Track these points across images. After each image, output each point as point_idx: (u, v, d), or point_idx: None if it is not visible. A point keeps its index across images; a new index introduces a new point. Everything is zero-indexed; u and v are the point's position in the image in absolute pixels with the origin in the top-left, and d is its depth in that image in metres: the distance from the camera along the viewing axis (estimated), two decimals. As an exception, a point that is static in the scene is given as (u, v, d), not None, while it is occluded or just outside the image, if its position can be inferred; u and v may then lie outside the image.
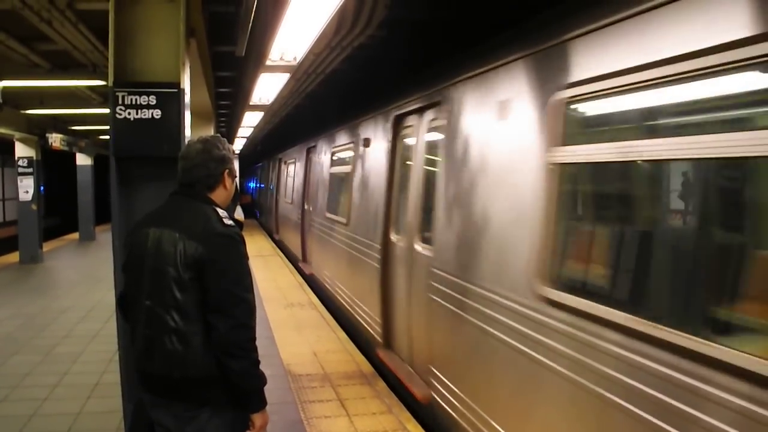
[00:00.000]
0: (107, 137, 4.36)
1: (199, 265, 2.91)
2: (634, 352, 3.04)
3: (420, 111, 6.84)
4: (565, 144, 3.80)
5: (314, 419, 5.92)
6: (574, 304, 3.54)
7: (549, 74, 4.05)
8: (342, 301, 9.98)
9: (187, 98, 5.19)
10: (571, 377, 3.52)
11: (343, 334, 8.96)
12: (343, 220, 10.00)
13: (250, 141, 27.27)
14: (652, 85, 3.11)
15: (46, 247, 18.86)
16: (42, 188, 17.58)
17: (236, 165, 3.38)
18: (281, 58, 7.28)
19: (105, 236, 21.79)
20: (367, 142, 8.87)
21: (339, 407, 6.24)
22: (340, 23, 6.81)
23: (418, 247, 6.51)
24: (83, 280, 14.22)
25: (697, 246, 3.10)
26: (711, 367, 2.58)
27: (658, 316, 2.96)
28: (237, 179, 3.39)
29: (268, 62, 7.40)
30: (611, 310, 3.23)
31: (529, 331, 4.00)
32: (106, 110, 4.96)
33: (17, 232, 17.57)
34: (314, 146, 13.90)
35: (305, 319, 9.88)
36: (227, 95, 13.96)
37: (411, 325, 6.70)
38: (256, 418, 3.05)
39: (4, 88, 9.67)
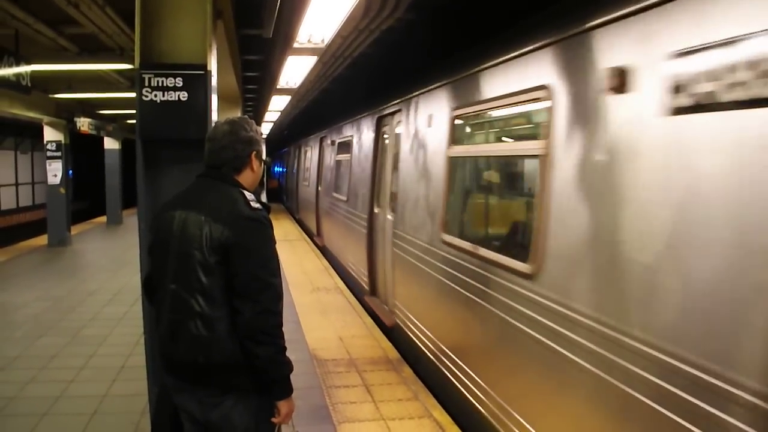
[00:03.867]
0: (134, 121, 4.36)
1: (225, 248, 2.86)
2: (471, 262, 5.49)
3: (392, 115, 8.95)
4: (453, 144, 6.25)
5: (339, 405, 5.90)
6: (450, 240, 6.07)
7: (449, 101, 6.35)
8: (345, 264, 12.31)
9: (214, 80, 5.15)
10: (451, 284, 5.95)
11: (369, 320, 8.95)
12: (344, 198, 12.38)
13: (277, 126, 27.36)
14: (482, 112, 5.78)
15: (74, 230, 19.01)
16: (70, 172, 17.66)
17: (264, 148, 3.31)
18: (309, 41, 7.23)
19: (132, 220, 21.89)
20: (360, 136, 11.19)
21: (365, 393, 6.21)
22: (369, 5, 6.75)
23: (389, 215, 8.79)
24: (110, 264, 14.33)
25: (500, 202, 6.07)
26: (493, 265, 5.00)
27: (481, 243, 5.45)
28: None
29: (295, 44, 7.36)
30: (461, 240, 5.84)
31: (437, 263, 6.39)
32: (134, 94, 4.91)
33: (46, 215, 17.69)
34: (325, 136, 16.28)
35: (331, 304, 9.88)
36: (254, 79, 13.94)
37: (385, 274, 9.01)
38: (282, 406, 3.00)
39: (33, 72, 9.68)
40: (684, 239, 2.85)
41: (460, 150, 6.13)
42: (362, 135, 10.93)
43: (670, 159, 2.96)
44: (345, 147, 12.85)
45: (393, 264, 8.26)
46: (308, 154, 20.41)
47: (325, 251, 15.37)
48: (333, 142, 14.61)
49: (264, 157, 3.30)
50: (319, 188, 16.83)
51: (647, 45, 3.18)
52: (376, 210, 9.76)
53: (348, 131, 12.49)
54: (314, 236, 17.65)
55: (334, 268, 13.20)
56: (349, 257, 11.82)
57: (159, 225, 3.12)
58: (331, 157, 14.89)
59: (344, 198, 12.32)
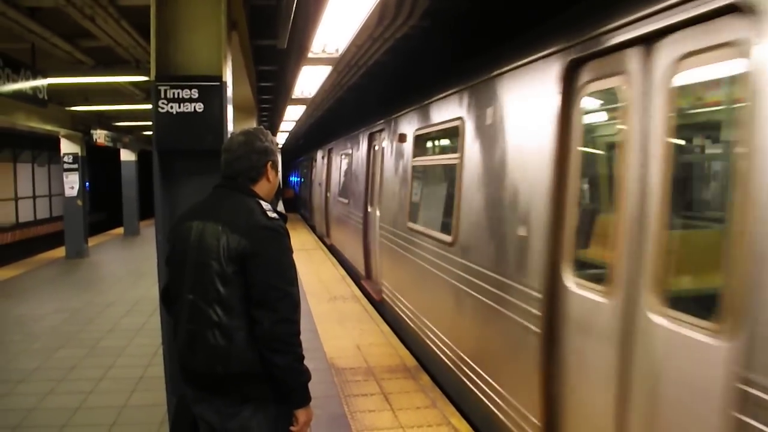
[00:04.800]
0: (150, 133, 4.40)
1: (242, 258, 2.87)
2: (423, 239, 7.67)
3: (379, 132, 11.06)
4: (415, 157, 8.43)
5: (358, 413, 5.90)
6: (413, 227, 8.19)
7: (412, 123, 8.58)
8: (346, 256, 14.83)
9: (230, 91, 5.17)
10: (419, 262, 7.82)
11: (386, 327, 8.95)
12: (346, 201, 14.76)
13: (292, 135, 27.46)
14: (432, 133, 7.89)
15: (92, 242, 19.10)
16: (87, 184, 17.75)
17: (279, 158, 3.32)
18: (323, 51, 7.25)
19: (149, 231, 21.98)
20: (358, 149, 13.37)
21: (383, 401, 6.20)
22: (383, 13, 6.76)
23: (377, 212, 10.95)
24: (128, 275, 14.38)
25: (443, 198, 7.48)
26: (434, 239, 7.26)
27: (432, 226, 7.55)
28: (280, 173, 3.33)
29: (310, 54, 7.38)
30: (419, 225, 8.05)
31: (407, 245, 8.44)
32: (149, 106, 4.94)
33: (63, 227, 17.78)
34: (332, 148, 18.66)
35: (348, 312, 9.89)
36: (269, 89, 13.99)
37: (375, 260, 11.27)
38: (300, 414, 3.00)
39: (49, 85, 9.75)
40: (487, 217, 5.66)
41: (419, 160, 8.40)
42: (359, 148, 13.14)
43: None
44: (347, 158, 15.14)
45: (380, 251, 10.60)
46: (319, 164, 22.51)
47: (332, 249, 17.62)
48: (338, 154, 17.00)
49: (280, 167, 3.31)
50: (328, 194, 19.03)
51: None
52: (369, 209, 11.89)
53: (349, 144, 14.85)
54: (324, 237, 19.78)
55: (340, 263, 15.32)
56: (350, 250, 14.27)
57: (176, 236, 3.13)
58: (337, 166, 17.28)
59: (346, 201, 14.78)
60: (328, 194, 18.87)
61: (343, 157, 15.96)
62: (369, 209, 11.86)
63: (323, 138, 21.93)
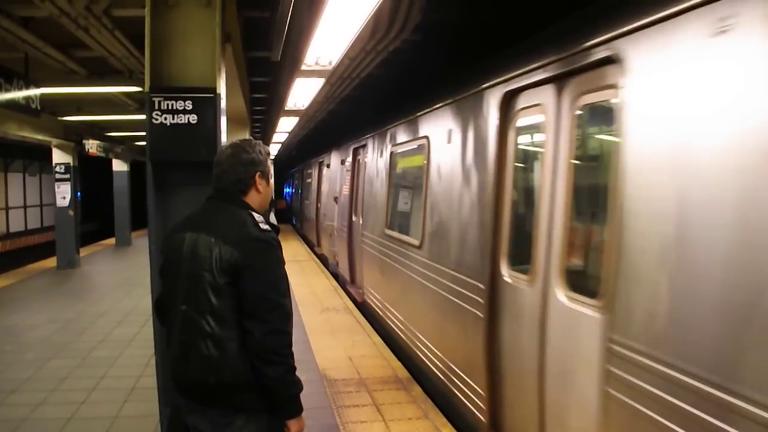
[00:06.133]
0: (143, 143, 4.38)
1: (234, 269, 2.90)
2: (397, 243, 8.58)
3: (363, 147, 11.86)
4: (391, 169, 9.39)
5: (350, 424, 5.90)
6: (390, 233, 9.02)
7: (386, 143, 9.67)
8: (335, 263, 15.19)
9: (223, 103, 5.20)
10: (393, 264, 8.67)
11: (378, 339, 8.95)
12: (335, 211, 15.26)
13: (285, 147, 27.49)
14: (403, 152, 8.92)
15: (83, 252, 19.06)
16: (79, 194, 17.73)
17: (271, 167, 3.33)
18: (316, 63, 7.28)
19: (141, 241, 21.96)
20: (344, 161, 14.27)
21: (375, 412, 6.21)
22: (376, 27, 6.80)
23: (360, 220, 11.58)
24: (119, 285, 14.35)
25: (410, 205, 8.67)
26: (404, 243, 8.19)
27: (401, 231, 8.61)
28: (272, 183, 3.34)
29: (303, 67, 7.41)
30: (394, 231, 8.86)
31: (385, 249, 9.27)
32: (142, 116, 4.95)
33: (54, 237, 17.75)
34: (322, 161, 19.30)
35: (340, 324, 9.90)
36: (262, 101, 14.03)
37: (359, 265, 11.72)
38: (292, 424, 3.02)
39: (42, 95, 9.76)
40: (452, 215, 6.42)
41: (395, 171, 9.41)
42: (346, 162, 13.96)
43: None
44: (335, 170, 15.84)
45: (361, 257, 11.39)
46: (310, 175, 23.47)
47: (322, 258, 18.29)
48: (329, 166, 17.42)
49: (272, 177, 3.33)
50: (318, 205, 19.80)
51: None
52: (354, 219, 12.62)
53: (338, 157, 15.50)
54: (314, 246, 20.76)
55: (332, 275, 15.42)
56: (336, 257, 14.96)
57: (170, 246, 3.15)
58: (327, 178, 17.96)
59: (335, 211, 15.41)
60: (319, 205, 19.72)
61: (332, 169, 16.53)
62: (353, 218, 12.60)
63: (315, 150, 22.37)
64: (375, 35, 7.18)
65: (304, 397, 3.05)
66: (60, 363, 8.12)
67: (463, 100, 6.16)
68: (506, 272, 5.09)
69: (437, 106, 7.02)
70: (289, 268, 3.12)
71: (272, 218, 9.40)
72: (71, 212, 17.15)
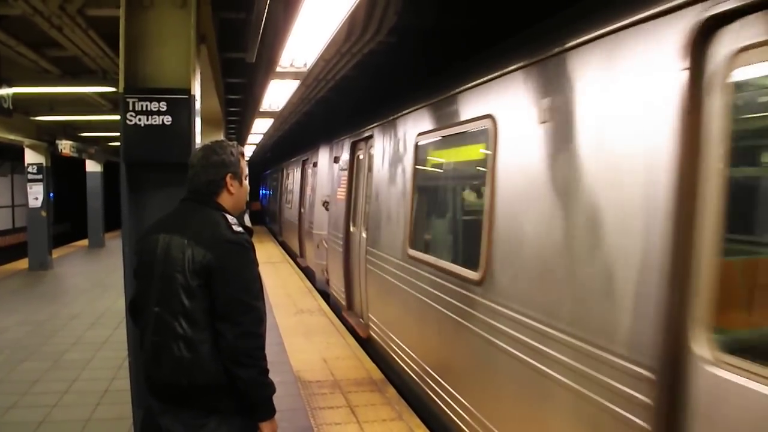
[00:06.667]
0: (117, 144, 4.36)
1: (207, 271, 2.90)
2: (433, 275, 6.19)
3: (366, 140, 9.47)
4: (417, 166, 7.02)
5: (324, 426, 5.90)
6: (416, 255, 6.63)
7: (406, 131, 7.34)
8: (324, 279, 12.68)
9: (198, 104, 5.19)
10: (424, 300, 6.32)
11: (352, 341, 8.95)
12: (326, 219, 12.55)
13: (260, 148, 27.38)
14: (432, 145, 6.77)
15: (56, 253, 18.83)
16: (51, 195, 17.57)
17: (245, 167, 3.32)
18: (291, 65, 7.28)
19: (114, 243, 21.81)
20: (337, 159, 11.63)
21: (349, 414, 6.21)
22: (351, 29, 6.81)
23: (363, 233, 9.14)
24: (92, 287, 14.23)
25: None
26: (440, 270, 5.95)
27: (441, 255, 6.34)
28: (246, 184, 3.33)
29: (278, 68, 7.40)
30: (426, 255, 6.46)
31: (408, 277, 6.82)
32: (116, 117, 4.96)
33: (27, 238, 17.58)
34: (307, 159, 16.91)
35: (315, 326, 9.88)
36: (237, 102, 13.98)
37: (361, 290, 9.36)
38: (265, 427, 3.02)
39: (15, 94, 9.68)
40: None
41: (423, 168, 7.00)
42: (341, 159, 11.34)
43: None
44: (324, 170, 13.41)
45: (367, 281, 8.87)
46: (291, 176, 20.99)
47: (307, 272, 15.74)
48: (315, 164, 14.83)
49: (246, 177, 3.32)
50: (302, 210, 17.19)
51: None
52: (352, 229, 10.22)
53: (327, 154, 13.18)
54: (297, 257, 18.17)
55: (318, 292, 13.19)
56: (326, 274, 12.35)
57: (143, 248, 3.15)
58: (312, 178, 15.34)
59: (326, 219, 12.54)
60: (303, 210, 17.06)
61: (320, 168, 14.02)
62: (352, 228, 10.14)
63: (296, 147, 20.77)
64: (350, 37, 7.18)
65: (279, 398, 3.05)
66: (31, 366, 8.03)
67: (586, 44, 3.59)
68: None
69: (516, 66, 4.45)
70: (263, 270, 3.13)
71: (246, 220, 9.06)
72: (44, 213, 16.99)
